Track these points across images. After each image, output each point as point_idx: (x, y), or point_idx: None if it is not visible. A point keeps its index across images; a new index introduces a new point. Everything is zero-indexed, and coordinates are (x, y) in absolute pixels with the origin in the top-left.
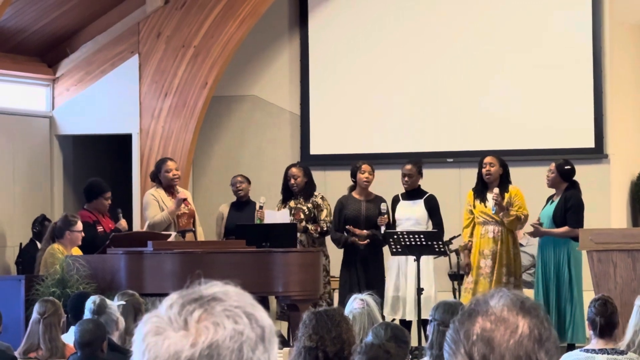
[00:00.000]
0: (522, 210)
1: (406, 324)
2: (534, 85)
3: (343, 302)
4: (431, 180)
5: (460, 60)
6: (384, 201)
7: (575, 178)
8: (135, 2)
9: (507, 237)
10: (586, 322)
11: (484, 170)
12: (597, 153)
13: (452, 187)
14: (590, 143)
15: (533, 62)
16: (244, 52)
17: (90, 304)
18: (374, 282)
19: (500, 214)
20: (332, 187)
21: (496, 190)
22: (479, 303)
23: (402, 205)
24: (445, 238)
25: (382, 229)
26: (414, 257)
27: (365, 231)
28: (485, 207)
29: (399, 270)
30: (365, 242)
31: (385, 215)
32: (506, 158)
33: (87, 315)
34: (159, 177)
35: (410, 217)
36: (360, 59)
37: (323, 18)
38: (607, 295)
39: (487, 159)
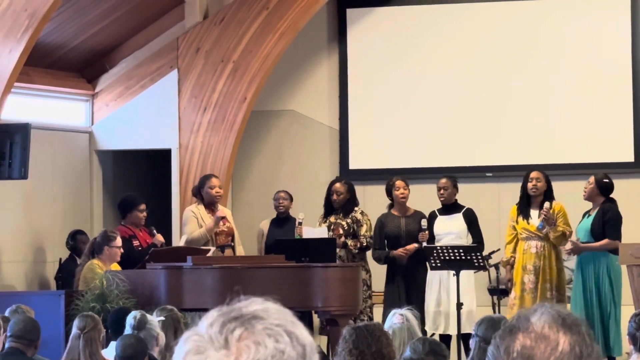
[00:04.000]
0: (567, 227)
1: (447, 338)
2: (572, 99)
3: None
4: (470, 194)
5: (499, 75)
6: (424, 216)
7: (614, 193)
8: (174, 17)
9: (551, 252)
10: (626, 337)
11: (529, 185)
12: (637, 167)
13: (491, 201)
14: (629, 157)
15: (571, 76)
16: (282, 66)
17: (130, 319)
18: (416, 297)
19: (545, 229)
20: (370, 201)
21: (547, 205)
22: (520, 319)
23: (440, 220)
24: (485, 252)
25: (424, 244)
26: (453, 272)
27: (415, 244)
28: (528, 223)
29: (440, 284)
30: (406, 257)
31: (427, 231)
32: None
33: (127, 330)
34: (201, 192)
35: (451, 231)
36: (399, 73)
37: (362, 33)
38: None
39: (534, 174)
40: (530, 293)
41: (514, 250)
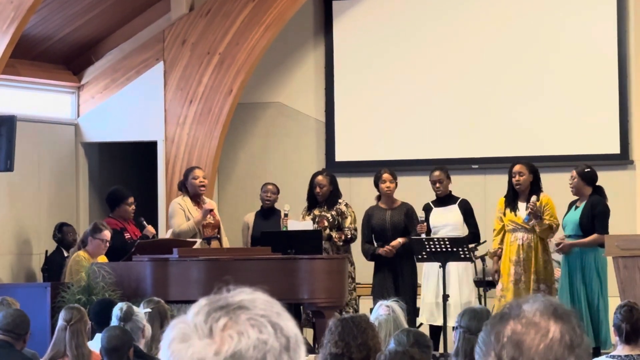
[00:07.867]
0: (554, 220)
1: (438, 329)
2: (558, 91)
3: None
4: (456, 186)
5: (485, 67)
6: (410, 208)
7: (599, 184)
8: (160, 9)
9: (537, 244)
10: (612, 329)
11: (513, 180)
12: (622, 159)
13: (477, 193)
14: (615, 149)
15: (558, 68)
16: (268, 59)
17: (117, 311)
18: (406, 288)
19: (532, 222)
20: (357, 194)
21: (534, 198)
22: (512, 307)
23: (436, 212)
24: (471, 244)
25: (423, 236)
26: (439, 264)
27: (400, 239)
28: (516, 215)
29: (438, 276)
30: (392, 254)
31: (425, 223)
32: None
33: (114, 322)
34: (186, 185)
35: (447, 223)
36: (385, 65)
37: (348, 25)
38: (632, 302)
39: (516, 168)
40: (516, 285)
41: (502, 242)
